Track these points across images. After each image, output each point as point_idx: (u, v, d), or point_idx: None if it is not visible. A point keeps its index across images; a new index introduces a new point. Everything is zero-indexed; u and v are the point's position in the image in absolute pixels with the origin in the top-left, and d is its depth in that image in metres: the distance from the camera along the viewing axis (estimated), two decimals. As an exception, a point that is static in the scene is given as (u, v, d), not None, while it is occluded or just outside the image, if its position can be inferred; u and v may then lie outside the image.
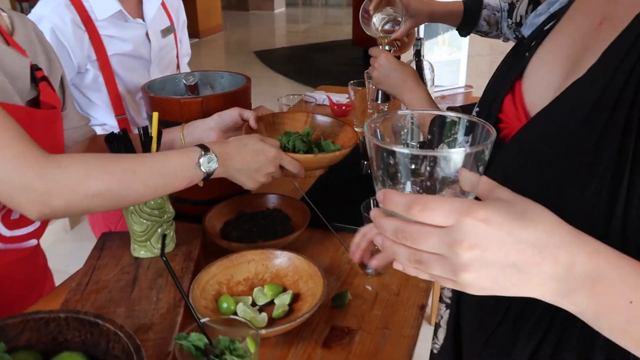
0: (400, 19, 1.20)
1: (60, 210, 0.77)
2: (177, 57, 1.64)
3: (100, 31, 1.35)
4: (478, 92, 1.13)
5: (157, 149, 0.92)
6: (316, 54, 7.00)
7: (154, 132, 0.91)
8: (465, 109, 1.32)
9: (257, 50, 7.16)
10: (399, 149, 0.43)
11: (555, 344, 0.57)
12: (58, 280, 1.06)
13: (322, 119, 1.13)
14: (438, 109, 1.11)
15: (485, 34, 1.35)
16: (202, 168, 0.84)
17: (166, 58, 1.56)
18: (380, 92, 1.25)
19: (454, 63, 1.96)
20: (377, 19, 1.23)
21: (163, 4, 1.54)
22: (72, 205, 0.77)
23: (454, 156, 0.43)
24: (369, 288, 0.97)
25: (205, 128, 1.03)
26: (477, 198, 0.46)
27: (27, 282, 1.05)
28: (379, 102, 1.27)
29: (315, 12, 10.50)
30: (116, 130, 1.41)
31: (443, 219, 0.41)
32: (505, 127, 0.65)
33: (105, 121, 1.45)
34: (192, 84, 1.08)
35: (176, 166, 0.83)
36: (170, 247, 0.97)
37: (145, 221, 0.91)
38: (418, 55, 1.62)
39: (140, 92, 1.43)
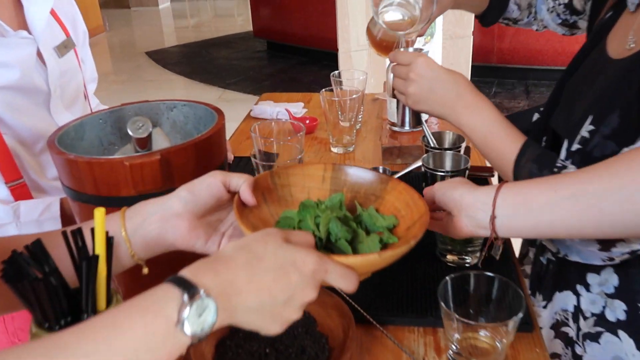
0: (415, 4, 0.85)
1: None
2: (84, 84, 1.16)
3: None
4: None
5: (108, 280, 0.49)
6: (214, 50, 6.47)
7: (98, 244, 0.49)
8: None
9: (148, 51, 6.49)
10: None
11: None
12: None
13: (350, 171, 0.73)
14: (516, 130, 0.78)
15: (514, 22, 1.04)
16: (187, 331, 0.42)
17: (70, 86, 1.08)
18: (407, 113, 0.91)
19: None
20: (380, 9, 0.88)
21: (53, 11, 1.06)
22: None
23: None
24: None
25: (168, 215, 0.60)
26: None
27: None
28: (408, 128, 0.92)
29: (203, 5, 9.86)
30: (8, 205, 0.92)
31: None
32: None
33: None
34: (143, 135, 0.64)
35: (138, 343, 0.40)
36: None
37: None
38: (407, 50, 1.28)
39: (40, 141, 0.97)
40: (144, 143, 0.65)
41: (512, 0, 1.00)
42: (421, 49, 0.89)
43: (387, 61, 1.75)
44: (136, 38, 7.61)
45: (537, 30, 1.06)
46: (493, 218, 0.64)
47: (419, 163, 1.20)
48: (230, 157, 1.25)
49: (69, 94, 1.08)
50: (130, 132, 0.63)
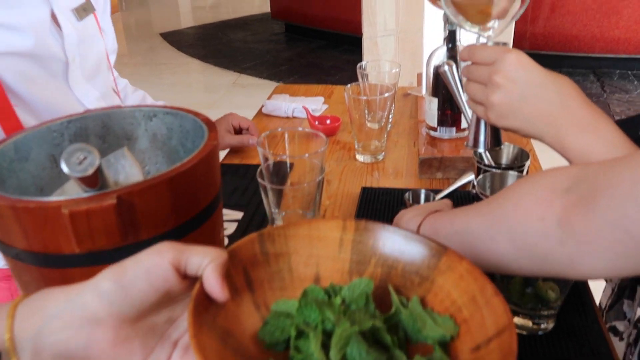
0: None
1: None
2: (107, 54, 1.05)
3: None
4: None
5: None
6: (231, 32, 6.23)
7: None
8: None
9: (163, 32, 6.28)
10: None
11: None
12: None
13: (382, 233, 0.49)
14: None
15: None
16: None
17: (90, 55, 0.96)
18: (483, 129, 0.69)
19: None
20: None
21: None
22: None
23: None
24: None
25: (80, 320, 0.37)
26: None
27: None
28: (482, 149, 0.69)
29: (221, -15, 9.59)
30: None
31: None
32: None
33: None
34: (86, 174, 0.41)
35: None
36: None
37: None
38: (452, 39, 1.05)
39: (56, 116, 0.79)
40: (92, 180, 0.44)
41: None
42: (505, 43, 0.65)
43: (423, 48, 1.52)
44: (152, 18, 7.41)
45: None
46: None
47: (467, 179, 0.97)
48: (252, 140, 1.17)
49: (89, 63, 0.96)
50: (65, 170, 0.41)
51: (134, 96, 1.21)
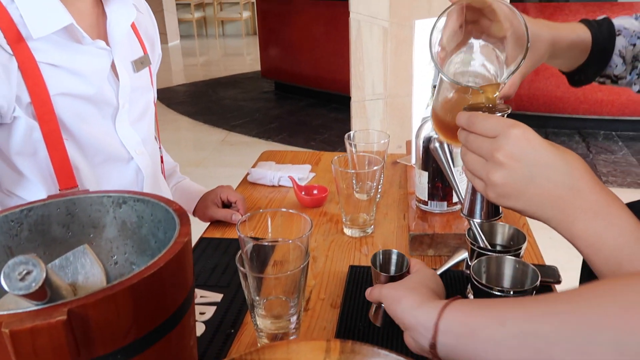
0: (499, 54, 0.60)
1: None
2: (155, 103, 1.14)
3: (37, 56, 0.86)
4: None
5: None
6: (220, 89, 6.30)
7: None
8: None
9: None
10: None
11: None
12: None
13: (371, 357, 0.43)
14: None
15: (614, 80, 0.79)
16: None
17: (139, 103, 1.06)
18: (479, 200, 0.64)
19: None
20: (453, 64, 0.62)
21: (133, 26, 1.07)
22: None
23: None
24: None
25: None
26: None
27: None
28: (478, 219, 0.64)
29: (213, 44, 9.79)
30: None
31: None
32: None
33: None
34: (32, 290, 0.35)
35: None
36: None
37: None
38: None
39: (100, 154, 0.99)
40: (38, 294, 0.38)
41: (615, 52, 0.75)
42: (508, 107, 0.59)
43: (412, 113, 1.50)
44: (143, 75, 7.48)
45: (638, 92, 0.80)
46: (433, 345, 0.53)
47: (460, 257, 0.92)
48: (236, 217, 1.13)
49: (136, 110, 1.05)
50: (5, 287, 0.36)
51: (165, 161, 1.26)
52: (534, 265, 0.73)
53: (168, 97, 5.98)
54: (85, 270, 0.49)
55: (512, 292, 0.70)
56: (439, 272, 0.89)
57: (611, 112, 4.29)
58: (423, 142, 1.05)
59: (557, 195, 0.53)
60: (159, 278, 0.45)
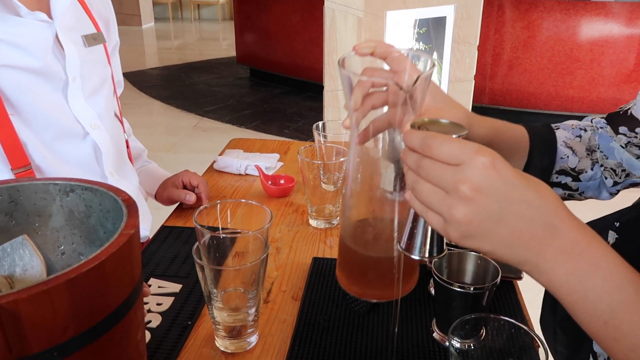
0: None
1: None
2: (113, 79, 1.12)
3: None
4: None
5: None
6: (194, 74, 6.20)
7: None
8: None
9: (127, 72, 6.19)
10: None
11: None
12: None
13: None
14: None
15: (575, 177, 0.74)
16: None
17: (93, 78, 1.03)
18: (421, 233, 0.52)
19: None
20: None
21: (83, 3, 1.05)
22: None
23: None
24: None
25: None
26: None
27: None
28: (417, 256, 0.52)
29: (188, 27, 9.62)
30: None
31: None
32: None
33: None
34: None
35: None
36: None
37: None
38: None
39: (51, 129, 0.96)
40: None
41: (560, 143, 0.73)
42: (464, 130, 0.49)
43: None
44: (115, 57, 7.32)
45: (610, 196, 0.77)
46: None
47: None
48: (190, 198, 1.13)
49: (90, 84, 1.02)
50: None
51: (131, 146, 1.22)
52: (495, 261, 0.72)
53: (140, 81, 5.86)
54: (24, 262, 0.46)
55: (472, 289, 0.70)
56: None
57: (581, 109, 4.37)
58: (389, 132, 1.04)
59: (531, 235, 0.45)
60: (101, 273, 0.43)
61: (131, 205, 0.51)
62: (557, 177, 0.73)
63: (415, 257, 0.52)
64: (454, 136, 0.47)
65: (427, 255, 0.52)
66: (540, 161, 0.71)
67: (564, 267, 0.45)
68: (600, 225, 0.72)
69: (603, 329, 0.45)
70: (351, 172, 0.61)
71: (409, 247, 0.53)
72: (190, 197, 1.12)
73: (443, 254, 0.53)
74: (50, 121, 0.96)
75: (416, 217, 0.52)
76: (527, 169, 0.71)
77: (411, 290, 0.63)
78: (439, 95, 0.64)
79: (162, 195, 1.21)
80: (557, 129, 0.74)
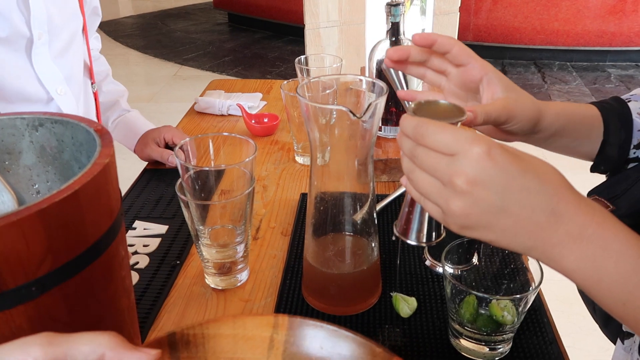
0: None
1: None
2: (86, 32, 1.02)
3: None
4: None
5: None
6: (171, 22, 6.00)
7: None
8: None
9: (101, 22, 5.97)
10: None
11: None
12: None
13: (317, 332, 0.39)
14: None
15: None
16: None
17: (62, 35, 0.93)
18: (418, 215, 0.50)
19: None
20: None
21: None
22: None
23: None
24: None
25: None
26: None
27: None
28: (414, 242, 0.51)
29: (162, -28, 9.23)
30: None
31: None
32: None
33: None
34: None
35: None
36: None
37: None
38: (396, 32, 0.97)
39: (16, 96, 0.88)
40: None
41: (635, 115, 0.67)
42: (464, 114, 0.46)
43: (366, 41, 1.44)
44: (87, 7, 7.04)
45: None
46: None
47: (400, 190, 0.90)
48: (172, 159, 1.04)
49: (58, 42, 0.92)
50: None
51: (106, 91, 1.15)
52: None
53: (115, 30, 5.66)
54: (-7, 199, 0.43)
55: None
56: (378, 207, 0.86)
57: (566, 43, 4.31)
58: (376, 64, 1.01)
59: (535, 222, 0.42)
60: (75, 203, 0.40)
61: (105, 135, 0.47)
62: (634, 152, 0.68)
63: (412, 242, 0.51)
64: (453, 121, 0.45)
65: (424, 240, 0.51)
66: (617, 137, 0.67)
67: (574, 254, 0.42)
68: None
69: (622, 309, 0.43)
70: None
71: (405, 231, 0.51)
72: (174, 159, 1.03)
73: (440, 238, 0.51)
74: (14, 88, 0.87)
75: (412, 202, 0.50)
76: (604, 147, 0.67)
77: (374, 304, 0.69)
78: (510, 86, 0.59)
79: (142, 151, 1.08)
80: (629, 101, 0.69)
